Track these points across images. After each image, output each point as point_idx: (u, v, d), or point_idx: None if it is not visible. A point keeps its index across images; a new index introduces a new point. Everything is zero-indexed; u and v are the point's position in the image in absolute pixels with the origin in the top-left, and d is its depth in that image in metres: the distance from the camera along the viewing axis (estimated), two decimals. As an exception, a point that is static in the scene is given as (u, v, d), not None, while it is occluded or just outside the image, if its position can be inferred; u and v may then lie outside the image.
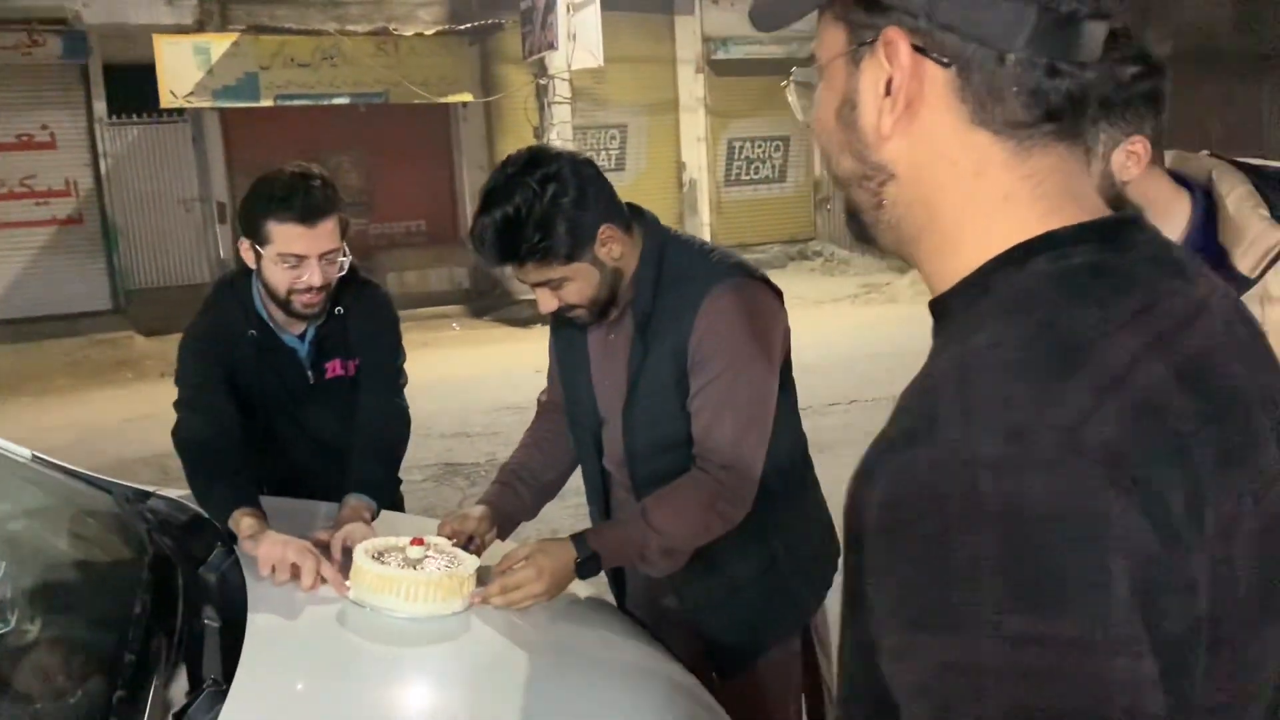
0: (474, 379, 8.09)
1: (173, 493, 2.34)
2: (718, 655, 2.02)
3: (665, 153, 14.12)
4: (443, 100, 12.33)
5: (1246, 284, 1.46)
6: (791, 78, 0.88)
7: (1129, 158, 1.51)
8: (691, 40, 14.36)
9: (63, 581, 1.77)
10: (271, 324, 2.28)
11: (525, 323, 12.13)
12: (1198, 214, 1.55)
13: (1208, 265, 1.44)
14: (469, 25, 12.28)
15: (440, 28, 11.76)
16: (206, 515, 2.13)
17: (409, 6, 12.56)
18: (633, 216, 1.92)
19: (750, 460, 1.85)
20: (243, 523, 1.91)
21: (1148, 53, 1.52)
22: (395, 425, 2.32)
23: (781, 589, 2.01)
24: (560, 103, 11.28)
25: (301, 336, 2.31)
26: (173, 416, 2.21)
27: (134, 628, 1.55)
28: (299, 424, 2.36)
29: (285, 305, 2.20)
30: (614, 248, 1.84)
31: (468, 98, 12.50)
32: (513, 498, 2.06)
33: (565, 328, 2.05)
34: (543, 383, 2.24)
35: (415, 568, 1.77)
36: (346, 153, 12.71)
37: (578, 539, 1.88)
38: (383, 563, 1.78)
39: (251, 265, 2.22)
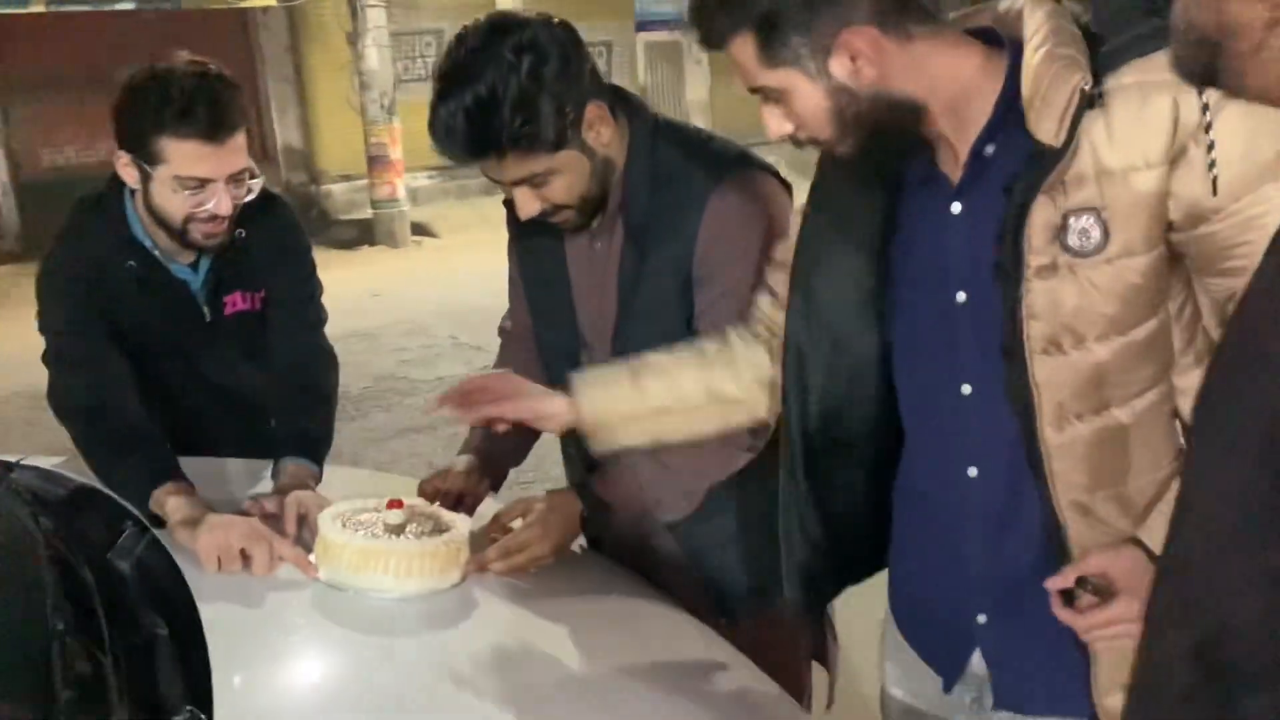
0: (306, 306, 7.54)
1: (42, 461, 1.93)
2: (722, 599, 1.80)
3: (485, 60, 13.48)
4: (241, 5, 11.35)
5: (1054, 157, 1.08)
6: None
7: None
8: (505, -62, 13.68)
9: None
10: (156, 252, 1.87)
11: (349, 244, 11.48)
12: (1007, 79, 1.13)
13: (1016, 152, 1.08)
14: (266, -79, 11.31)
15: (234, -76, 10.77)
16: (96, 487, 1.75)
17: (195, -100, 11.44)
18: (615, 100, 1.63)
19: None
20: (169, 504, 1.54)
21: None
22: (323, 368, 1.96)
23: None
24: (374, 6, 10.55)
25: (194, 266, 1.91)
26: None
27: (59, 651, 1.18)
28: (195, 370, 1.97)
29: (181, 235, 1.79)
30: (603, 131, 1.55)
31: (270, 2, 11.54)
32: (500, 442, 1.74)
33: (532, 238, 1.74)
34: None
35: (396, 536, 1.46)
36: (134, 66, 11.55)
37: (582, 489, 1.61)
38: (356, 531, 1.47)
39: (133, 186, 1.79)
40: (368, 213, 11.46)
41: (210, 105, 1.71)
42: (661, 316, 1.63)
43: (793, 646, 1.83)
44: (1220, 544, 0.58)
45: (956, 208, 1.20)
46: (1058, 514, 1.18)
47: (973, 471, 1.26)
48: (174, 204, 1.76)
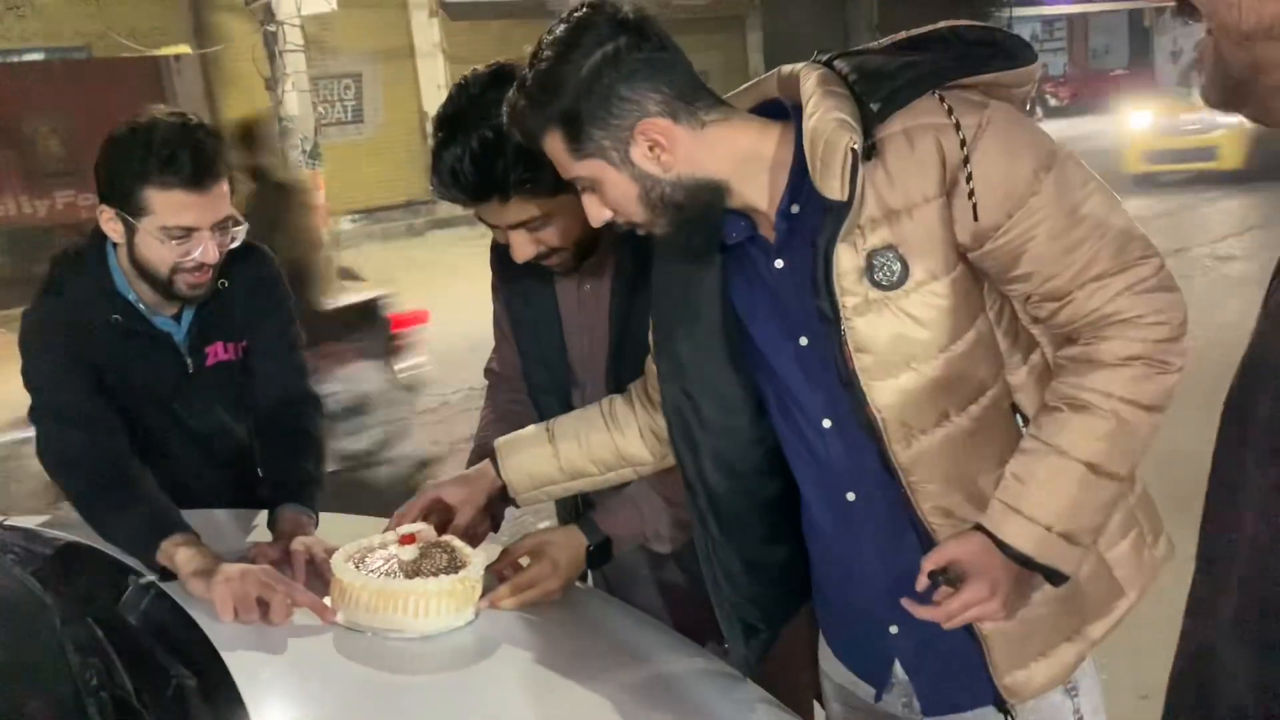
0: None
1: (22, 521, 1.91)
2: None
3: (405, 102, 13.47)
4: (154, 53, 11.20)
5: (844, 209, 1.18)
6: None
7: None
8: (421, -17, 13.72)
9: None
10: (140, 305, 1.87)
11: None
12: (797, 145, 1.23)
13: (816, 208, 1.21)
14: (178, -32, 11.21)
15: (145, -28, 10.64)
16: (84, 543, 1.74)
17: (105, -52, 11.30)
18: None
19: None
20: (179, 555, 1.54)
21: None
22: (312, 414, 1.97)
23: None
24: (293, 51, 10.51)
25: (176, 317, 1.91)
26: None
27: (98, 708, 1.19)
28: (177, 420, 1.96)
29: (166, 286, 1.80)
30: None
31: (184, 49, 11.42)
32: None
33: (519, 280, 1.78)
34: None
35: (412, 574, 1.49)
36: (44, 116, 11.24)
37: (585, 524, 1.65)
38: (369, 572, 1.49)
39: (117, 239, 1.80)
40: (292, 258, 11.34)
41: (194, 154, 1.72)
42: (653, 350, 1.69)
43: (796, 668, 1.88)
44: (1273, 529, 0.66)
45: (779, 263, 1.30)
46: (924, 521, 1.28)
47: (850, 496, 1.36)
48: (160, 255, 1.77)
